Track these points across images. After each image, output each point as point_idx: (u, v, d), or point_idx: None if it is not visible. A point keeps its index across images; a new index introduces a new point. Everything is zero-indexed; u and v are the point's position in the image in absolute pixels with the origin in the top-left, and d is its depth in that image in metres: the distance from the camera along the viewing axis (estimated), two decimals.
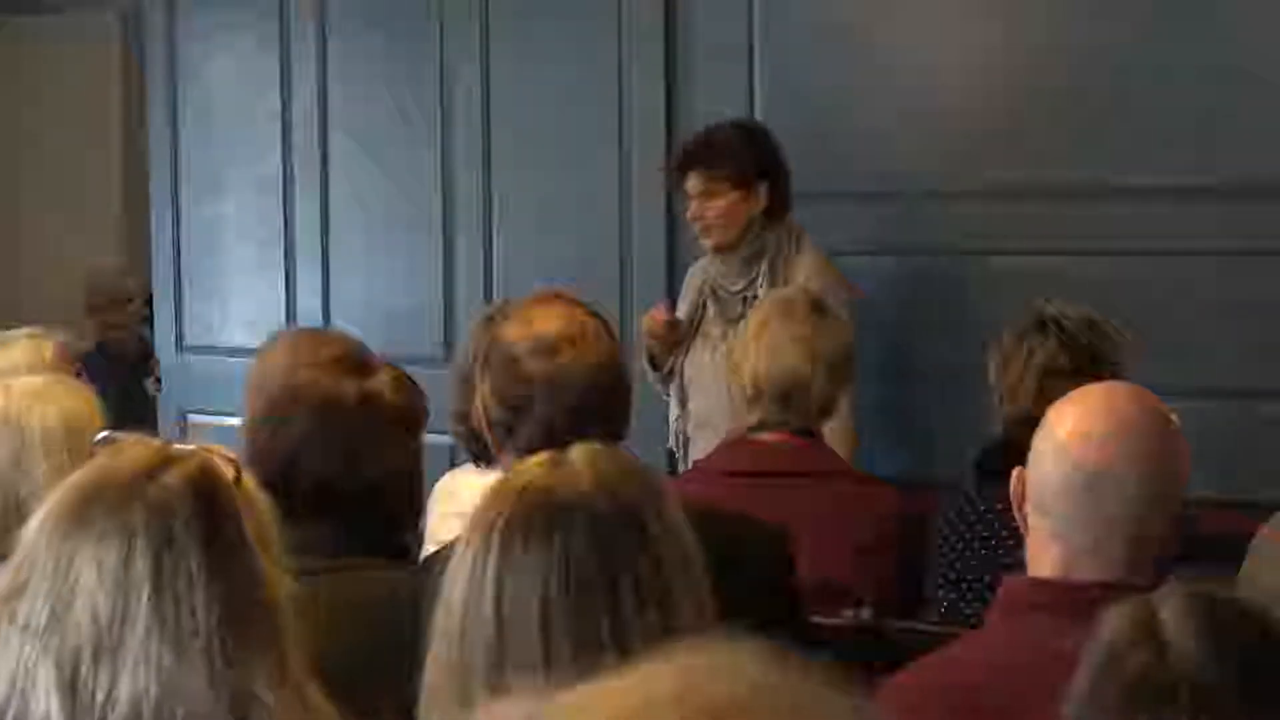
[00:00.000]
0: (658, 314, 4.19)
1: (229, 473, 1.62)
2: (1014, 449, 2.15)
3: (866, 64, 4.49)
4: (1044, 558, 2.05)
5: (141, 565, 1.54)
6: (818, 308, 3.33)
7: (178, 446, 1.65)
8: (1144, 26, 4.18)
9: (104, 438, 1.76)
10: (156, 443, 1.68)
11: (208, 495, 1.59)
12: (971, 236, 4.41)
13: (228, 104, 5.58)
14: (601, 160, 4.87)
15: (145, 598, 1.54)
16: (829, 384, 3.23)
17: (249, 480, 1.65)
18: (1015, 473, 2.10)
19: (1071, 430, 2.04)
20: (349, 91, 5.32)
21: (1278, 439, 4.06)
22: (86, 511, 1.57)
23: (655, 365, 4.23)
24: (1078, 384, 2.23)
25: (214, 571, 1.56)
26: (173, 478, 1.59)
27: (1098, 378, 2.59)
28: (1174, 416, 2.09)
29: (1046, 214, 4.29)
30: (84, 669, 1.52)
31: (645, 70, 4.81)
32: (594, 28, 4.88)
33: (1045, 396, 2.52)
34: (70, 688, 1.52)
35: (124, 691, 1.51)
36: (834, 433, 3.53)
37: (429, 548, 2.93)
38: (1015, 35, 4.36)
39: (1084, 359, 3.10)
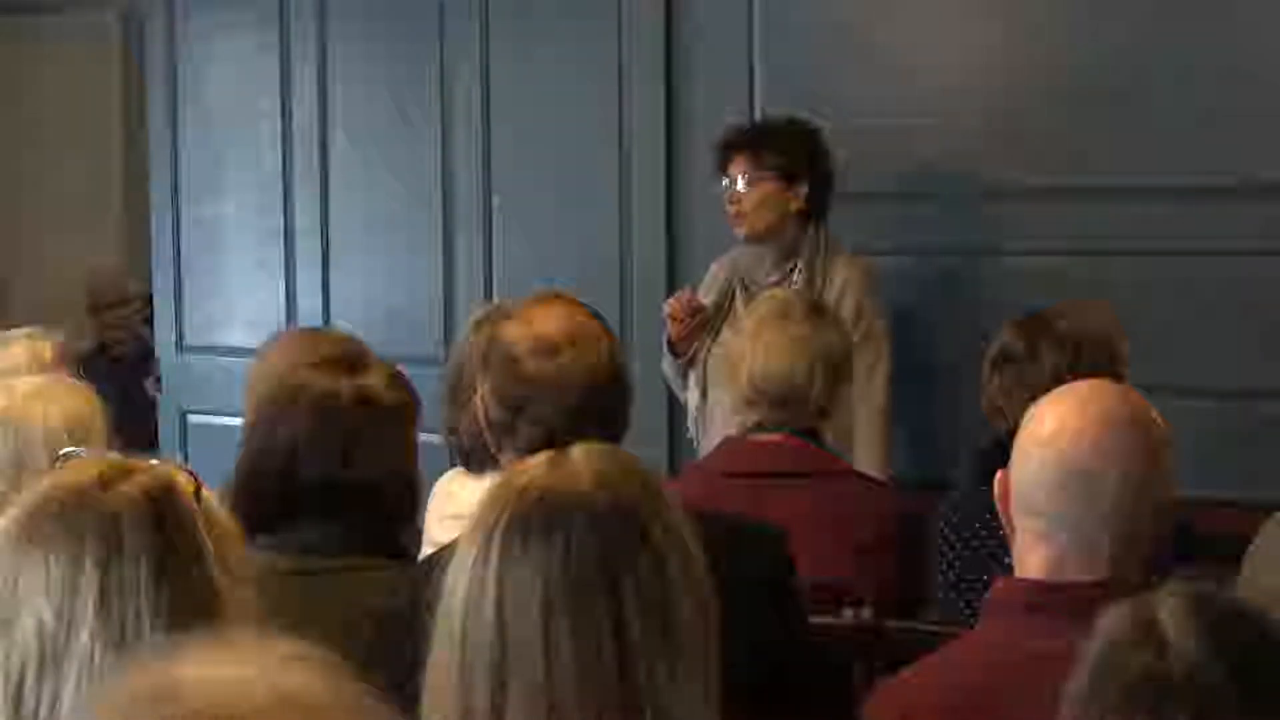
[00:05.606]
0: (682, 296, 4.17)
1: (188, 486, 1.60)
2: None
3: (866, 64, 4.49)
4: (1031, 558, 2.04)
5: (89, 572, 1.51)
6: (815, 308, 3.33)
7: (136, 460, 1.62)
8: (1145, 26, 4.18)
9: (67, 453, 1.74)
10: (116, 456, 1.66)
11: (161, 506, 1.56)
12: (971, 236, 4.41)
13: (228, 104, 5.58)
14: (601, 160, 4.87)
15: (91, 605, 1.50)
16: (828, 384, 3.23)
17: (209, 495, 1.62)
18: (999, 475, 2.09)
19: (1059, 429, 2.03)
20: (349, 92, 5.32)
21: (1278, 439, 4.06)
22: (38, 520, 1.55)
23: (675, 352, 4.22)
24: None
25: (163, 582, 1.52)
26: (127, 488, 1.56)
27: (1098, 377, 2.59)
28: (1156, 414, 2.09)
29: (1046, 214, 4.29)
30: (29, 680, 1.48)
31: (645, 70, 4.81)
32: (594, 28, 4.87)
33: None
34: (15, 700, 1.48)
35: (68, 702, 1.47)
36: (869, 416, 3.84)
37: (427, 549, 2.93)
38: (1015, 35, 4.36)
39: (1084, 359, 3.10)
